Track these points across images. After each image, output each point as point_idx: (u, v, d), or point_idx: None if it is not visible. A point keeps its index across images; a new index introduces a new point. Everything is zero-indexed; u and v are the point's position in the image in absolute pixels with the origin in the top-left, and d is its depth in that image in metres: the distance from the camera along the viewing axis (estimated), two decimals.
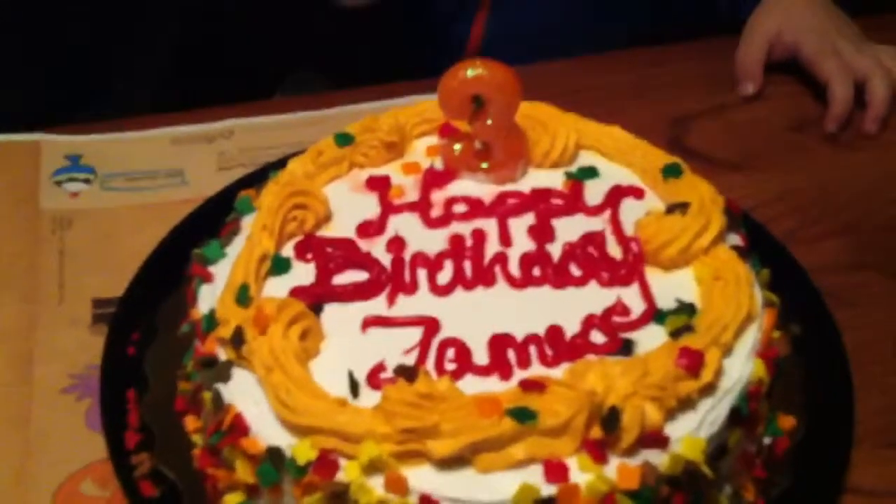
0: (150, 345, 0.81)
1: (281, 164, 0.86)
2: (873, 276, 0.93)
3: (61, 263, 0.91)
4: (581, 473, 0.61)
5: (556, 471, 0.61)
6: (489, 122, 0.81)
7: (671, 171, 0.81)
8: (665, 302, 0.72)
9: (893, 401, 0.81)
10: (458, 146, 0.83)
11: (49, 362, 0.83)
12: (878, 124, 1.07)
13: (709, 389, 0.65)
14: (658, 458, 0.62)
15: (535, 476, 0.61)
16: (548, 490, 0.60)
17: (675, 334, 0.68)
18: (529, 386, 0.64)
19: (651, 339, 0.69)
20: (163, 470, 0.72)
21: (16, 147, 1.03)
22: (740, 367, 0.68)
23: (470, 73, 0.79)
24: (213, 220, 0.83)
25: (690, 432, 0.64)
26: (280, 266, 0.75)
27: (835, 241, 0.96)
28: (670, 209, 0.77)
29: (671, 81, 1.15)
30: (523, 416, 0.62)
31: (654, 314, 0.71)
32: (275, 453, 0.64)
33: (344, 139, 0.84)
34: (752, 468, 0.70)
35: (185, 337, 0.76)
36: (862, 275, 0.93)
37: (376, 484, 0.61)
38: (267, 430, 0.65)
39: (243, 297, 0.71)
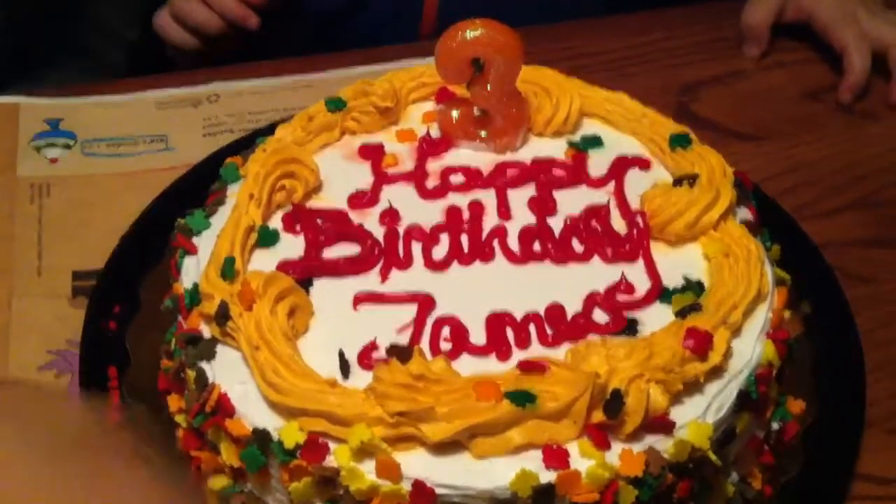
0: (131, 320, 0.78)
1: (269, 130, 0.82)
2: (889, 252, 0.89)
3: (40, 233, 0.88)
4: (582, 460, 0.58)
5: (555, 457, 0.58)
6: (489, 86, 0.77)
7: (679, 141, 0.77)
8: (671, 279, 0.69)
9: None
10: (455, 112, 0.79)
11: (26, 338, 0.79)
12: None
13: (716, 372, 0.62)
14: (663, 444, 0.59)
15: (533, 462, 0.58)
16: (547, 477, 0.57)
17: (681, 314, 0.65)
18: (529, 367, 0.60)
19: (657, 318, 0.66)
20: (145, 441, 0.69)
21: None
22: (750, 348, 0.65)
23: (469, 34, 0.75)
24: (197, 188, 0.79)
25: (697, 417, 0.61)
26: (267, 238, 0.71)
27: (849, 216, 0.93)
28: (678, 181, 0.73)
29: (680, 46, 1.11)
30: (522, 399, 0.58)
31: (659, 292, 0.68)
32: (261, 435, 0.61)
33: (335, 104, 0.80)
34: (761, 454, 0.67)
35: (169, 312, 0.73)
36: (877, 251, 0.90)
37: (367, 469, 0.58)
38: (253, 412, 0.62)
39: (229, 270, 0.67)
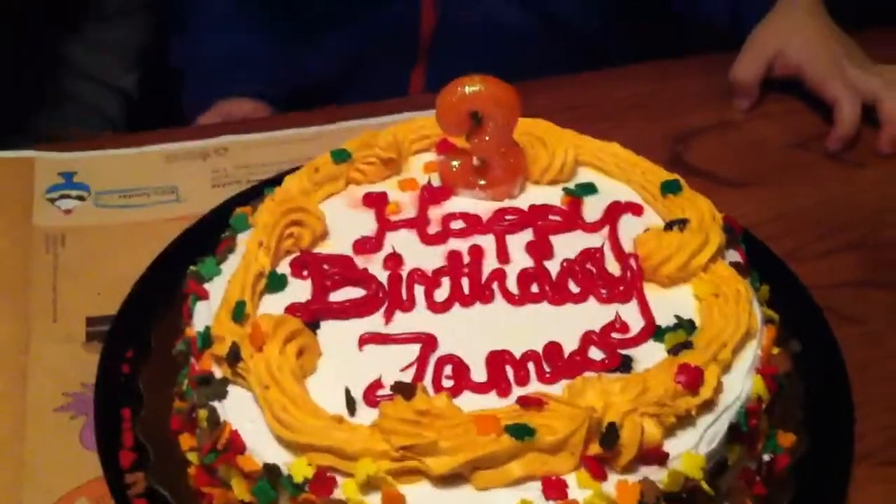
0: (144, 363, 0.80)
1: (276, 180, 0.86)
2: (879, 293, 0.92)
3: (55, 281, 0.91)
4: (580, 490, 0.61)
5: (554, 488, 0.61)
6: (487, 138, 0.81)
7: (670, 188, 0.80)
8: (664, 318, 0.72)
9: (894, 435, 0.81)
10: (455, 162, 0.82)
11: (42, 380, 0.82)
12: (893, 144, 1.06)
13: (708, 406, 0.65)
14: (657, 475, 0.62)
15: (533, 493, 0.61)
16: None
17: (673, 351, 0.68)
18: (527, 403, 0.63)
19: (650, 355, 0.69)
20: (158, 489, 0.71)
21: (9, 163, 1.02)
22: (739, 383, 0.67)
23: (468, 89, 0.79)
24: (207, 237, 0.83)
25: (690, 449, 0.63)
26: (276, 283, 0.75)
27: (838, 259, 0.96)
28: (669, 225, 0.77)
29: (672, 97, 1.15)
30: (521, 432, 0.61)
31: (652, 331, 0.71)
32: (271, 471, 0.63)
33: (341, 155, 0.84)
34: (752, 485, 0.69)
35: (181, 355, 0.75)
36: (867, 292, 0.92)
37: (374, 501, 0.61)
38: (263, 448, 0.65)
39: (239, 314, 0.70)
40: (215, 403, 0.68)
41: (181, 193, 1.01)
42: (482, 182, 0.82)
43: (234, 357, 0.68)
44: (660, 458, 0.62)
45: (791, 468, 0.72)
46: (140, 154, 1.05)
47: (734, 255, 0.77)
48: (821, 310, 0.85)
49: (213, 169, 1.04)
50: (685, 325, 0.70)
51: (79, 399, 0.81)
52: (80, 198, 1.00)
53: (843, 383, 0.79)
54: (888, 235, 0.98)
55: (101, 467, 0.73)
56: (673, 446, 0.63)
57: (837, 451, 0.75)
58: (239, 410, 0.67)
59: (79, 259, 0.93)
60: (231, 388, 0.68)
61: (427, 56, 1.24)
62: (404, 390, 0.64)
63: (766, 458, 0.71)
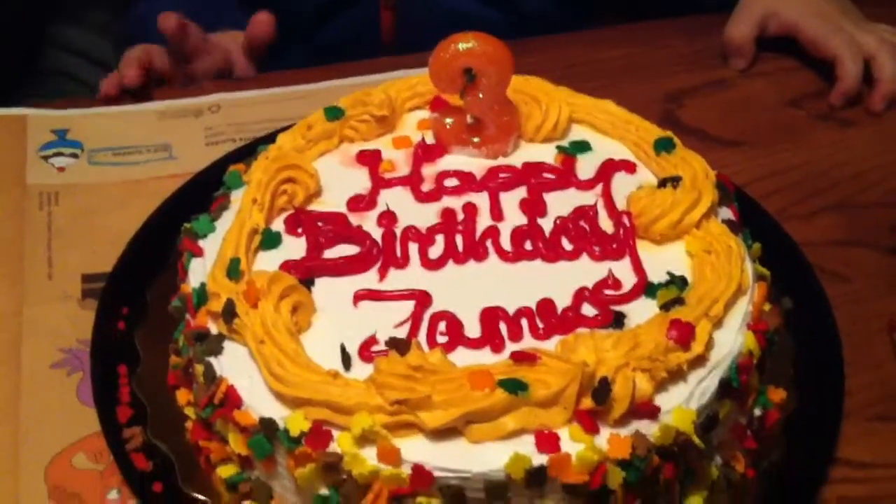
0: (140, 320, 0.81)
1: (270, 138, 0.86)
2: (866, 252, 0.93)
3: (49, 239, 0.91)
4: (572, 443, 0.61)
5: (547, 441, 0.61)
6: (480, 95, 0.80)
7: (663, 146, 0.81)
8: (656, 275, 0.72)
9: (883, 375, 0.82)
10: (449, 120, 0.83)
11: (38, 337, 0.82)
12: (885, 102, 1.07)
13: (699, 361, 0.66)
14: (649, 429, 0.63)
15: (526, 446, 0.61)
16: (539, 460, 0.61)
17: (665, 307, 0.69)
18: (521, 358, 0.64)
19: (642, 311, 0.69)
20: (155, 443, 0.72)
21: (2, 121, 1.02)
22: (731, 339, 0.68)
23: (462, 46, 0.78)
24: (201, 195, 0.83)
25: (681, 403, 0.64)
26: (270, 240, 0.75)
27: (828, 218, 0.96)
28: (662, 183, 0.77)
29: (665, 57, 1.15)
30: (515, 387, 0.62)
31: (645, 287, 0.71)
32: (267, 424, 0.64)
33: (334, 113, 0.84)
34: (743, 439, 0.71)
35: (176, 311, 0.76)
36: (855, 251, 0.93)
37: (369, 455, 0.62)
38: (259, 403, 0.65)
39: (234, 271, 0.71)
40: (211, 359, 0.68)
41: (174, 151, 1.01)
42: (476, 140, 0.82)
43: (229, 313, 0.68)
44: (651, 412, 0.63)
45: (781, 423, 0.74)
46: (133, 111, 1.05)
47: (727, 213, 0.77)
48: (812, 267, 0.86)
49: (206, 126, 1.03)
50: (677, 282, 0.71)
51: (75, 355, 0.81)
52: (74, 155, 1.00)
53: (833, 340, 0.80)
54: (874, 195, 0.98)
55: (98, 422, 0.74)
56: (664, 401, 0.64)
57: (827, 407, 0.76)
58: (235, 366, 0.67)
59: (73, 217, 0.93)
60: (227, 344, 0.69)
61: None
62: (399, 346, 0.65)
63: (756, 413, 0.72)
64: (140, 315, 0.81)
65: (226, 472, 0.69)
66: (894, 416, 0.78)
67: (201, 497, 0.69)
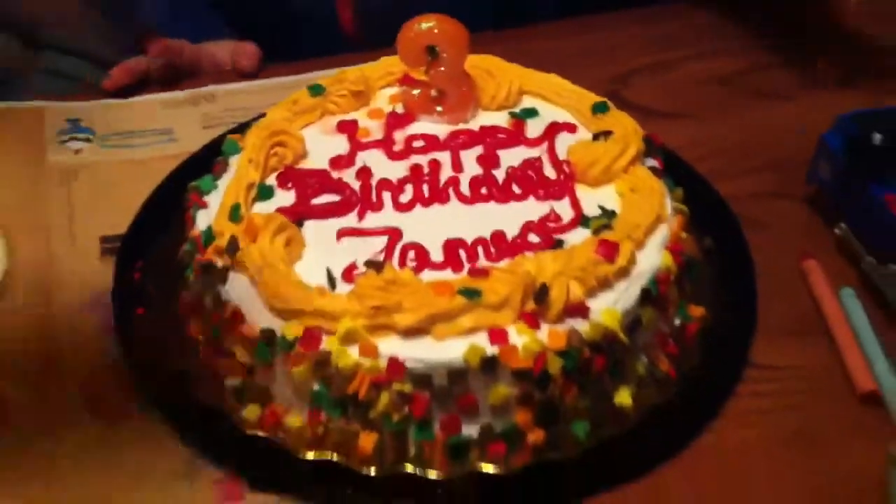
0: (152, 271, 0.94)
1: (261, 116, 0.99)
2: (784, 202, 1.05)
3: (71, 209, 1.04)
4: (518, 337, 0.74)
5: (498, 336, 0.74)
6: (442, 69, 0.94)
7: (599, 108, 0.95)
8: (591, 210, 0.85)
9: (793, 306, 0.92)
10: (416, 92, 0.96)
11: (65, 288, 0.95)
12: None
13: (623, 273, 0.79)
14: (582, 326, 0.76)
15: (481, 340, 0.74)
16: (491, 350, 0.74)
17: (596, 232, 0.82)
18: (476, 272, 0.77)
19: (577, 238, 0.82)
20: (171, 365, 0.85)
21: (21, 112, 1.16)
22: (651, 257, 0.81)
23: (424, 25, 0.92)
24: (201, 168, 0.95)
25: (609, 306, 0.77)
26: (265, 193, 0.88)
27: (752, 177, 1.08)
28: (596, 137, 0.91)
29: (612, 44, 1.29)
30: (471, 294, 0.75)
31: (580, 219, 0.84)
32: (267, 334, 0.77)
33: (316, 90, 0.98)
34: (666, 345, 0.83)
35: (186, 254, 0.88)
36: (774, 202, 1.05)
37: (352, 352, 0.74)
38: (259, 318, 0.78)
39: (235, 214, 0.84)
40: (219, 287, 0.81)
41: (175, 134, 1.14)
42: (439, 109, 0.96)
43: (232, 247, 0.81)
44: (583, 312, 0.76)
45: (700, 335, 0.87)
46: (137, 102, 1.18)
47: (652, 162, 0.91)
48: (733, 213, 0.99)
49: (203, 113, 1.17)
50: (607, 213, 0.84)
51: (98, 300, 0.93)
52: (87, 139, 1.13)
53: (749, 270, 0.93)
54: (793, 158, 1.10)
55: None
56: (594, 304, 0.77)
57: (741, 322, 0.89)
58: (238, 291, 0.80)
59: (90, 191, 1.06)
60: (231, 274, 0.81)
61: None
62: (376, 266, 0.78)
63: (677, 322, 0.85)
64: (152, 268, 0.94)
65: (232, 381, 0.81)
66: (802, 331, 0.90)
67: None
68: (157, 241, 0.96)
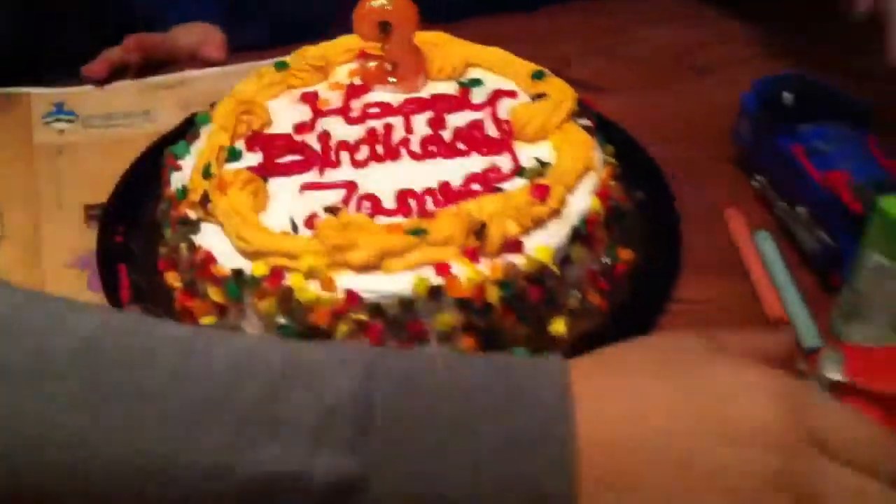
0: (133, 233, 1.03)
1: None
2: (710, 162, 1.15)
3: (57, 182, 1.13)
4: (461, 269, 0.84)
5: (442, 269, 0.83)
6: (394, 43, 1.04)
7: (537, 76, 1.04)
8: (528, 163, 0.95)
9: (715, 249, 1.01)
10: (371, 64, 1.06)
11: (54, 248, 1.03)
12: None
13: (555, 214, 0.88)
14: (518, 260, 0.85)
15: (428, 273, 0.83)
16: (437, 281, 0.83)
17: (530, 178, 0.91)
18: (423, 214, 0.87)
19: (516, 186, 0.92)
20: (152, 310, 0.94)
21: (8, 97, 1.25)
22: (581, 201, 0.91)
23: (376, 3, 1.02)
24: (178, 139, 1.04)
25: (542, 243, 0.87)
26: (234, 154, 0.97)
27: (683, 142, 1.18)
28: (533, 98, 1.01)
29: (556, 30, 1.39)
30: (418, 232, 0.84)
31: (518, 170, 0.94)
32: (237, 273, 0.86)
33: (281, 65, 1.07)
34: (597, 282, 0.93)
35: (163, 213, 0.97)
36: (703, 163, 1.15)
37: (313, 286, 0.83)
38: (230, 260, 0.87)
39: (207, 172, 0.93)
40: (192, 236, 0.90)
41: (153, 116, 1.23)
42: (393, 80, 1.05)
43: (205, 200, 0.90)
44: (518, 247, 0.85)
45: (629, 274, 0.97)
46: (117, 87, 1.28)
47: (585, 122, 1.01)
48: (662, 171, 1.09)
49: (179, 96, 1.26)
50: (542, 164, 0.94)
51: (84, 259, 1.02)
52: (70, 121, 1.22)
53: (674, 219, 1.03)
54: (721, 125, 1.19)
55: (106, 301, 0.96)
56: (529, 241, 0.86)
57: (667, 263, 0.99)
58: (210, 239, 0.89)
59: (74, 165, 1.15)
60: (203, 225, 0.90)
61: None
62: (334, 211, 0.88)
63: (607, 261, 0.94)
64: (132, 230, 1.03)
65: (206, 321, 0.90)
66: (722, 270, 0.99)
67: None
68: (137, 207, 1.05)
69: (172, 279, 0.95)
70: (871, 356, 0.80)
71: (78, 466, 0.57)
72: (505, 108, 1.02)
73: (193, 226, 0.91)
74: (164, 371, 0.59)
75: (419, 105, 1.03)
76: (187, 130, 1.04)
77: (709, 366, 0.67)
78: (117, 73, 1.30)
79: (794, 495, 0.62)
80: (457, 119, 1.01)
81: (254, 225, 0.87)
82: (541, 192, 0.88)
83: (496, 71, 1.08)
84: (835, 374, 0.77)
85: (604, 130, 1.04)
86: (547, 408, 0.62)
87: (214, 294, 0.89)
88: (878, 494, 0.64)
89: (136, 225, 1.03)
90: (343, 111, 1.03)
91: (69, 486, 0.58)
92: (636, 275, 0.97)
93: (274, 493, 0.57)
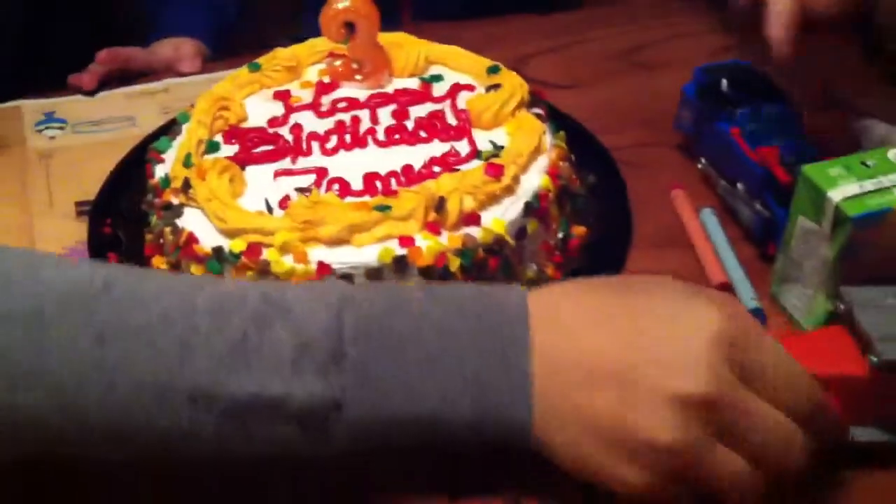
0: (121, 224, 1.10)
1: None
2: (660, 149, 1.23)
3: (48, 182, 1.20)
4: (423, 241, 0.91)
5: (406, 241, 0.91)
6: (359, 42, 1.12)
7: (493, 70, 1.13)
8: (484, 146, 1.03)
9: (663, 226, 1.08)
10: (338, 63, 1.14)
11: (47, 241, 1.11)
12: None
13: (509, 191, 0.96)
14: (475, 232, 0.93)
15: (393, 245, 0.91)
16: (401, 252, 0.91)
17: (486, 160, 1.00)
18: (388, 193, 0.95)
19: (473, 167, 1.00)
20: None
21: (2, 111, 1.32)
22: (533, 179, 0.99)
23: (341, 5, 1.10)
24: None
25: (497, 216, 0.95)
26: (212, 146, 1.05)
27: (633, 131, 1.27)
28: (488, 89, 1.09)
29: (514, 31, 1.48)
30: (383, 209, 0.92)
31: (475, 154, 1.02)
32: (217, 251, 0.93)
33: (254, 66, 1.15)
34: (551, 255, 1.01)
35: (147, 203, 1.05)
36: (651, 150, 1.23)
37: (288, 259, 0.91)
38: (210, 239, 0.94)
39: (188, 162, 1.01)
40: (175, 221, 0.98)
41: (137, 121, 1.31)
42: (359, 77, 1.14)
43: (186, 186, 0.98)
44: (476, 221, 0.93)
45: (582, 248, 1.04)
46: (104, 96, 1.36)
47: (537, 111, 1.09)
48: (612, 158, 1.17)
49: (160, 103, 1.34)
50: (497, 147, 1.02)
51: (75, 250, 1.09)
52: (61, 128, 1.29)
53: (624, 199, 1.11)
54: (667, 116, 1.28)
55: None
56: (486, 215, 0.94)
57: (618, 237, 1.06)
58: (192, 221, 0.97)
59: (65, 167, 1.23)
60: (185, 210, 0.98)
61: None
62: (304, 191, 0.95)
63: (560, 236, 1.02)
64: (120, 222, 1.10)
65: None
66: (670, 245, 1.07)
67: None
68: (124, 200, 1.12)
69: (158, 263, 1.02)
70: (800, 342, 0.84)
71: (78, 398, 0.64)
72: (463, 100, 1.10)
73: (176, 210, 0.98)
74: (153, 313, 0.66)
75: (384, 99, 1.11)
76: (169, 129, 1.11)
77: (659, 291, 0.74)
78: (104, 82, 1.38)
79: (717, 421, 0.69)
80: (419, 110, 1.09)
81: (231, 206, 0.95)
82: (495, 171, 0.96)
83: (455, 67, 1.16)
84: None
85: (558, 121, 1.12)
86: (510, 341, 0.70)
87: (197, 272, 0.96)
88: (790, 429, 0.71)
89: (124, 217, 1.11)
90: (314, 106, 1.11)
91: (68, 420, 0.65)
92: (589, 249, 1.05)
93: (255, 415, 0.65)
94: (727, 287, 1.01)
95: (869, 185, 0.87)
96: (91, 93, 1.36)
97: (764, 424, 0.70)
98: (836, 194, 0.86)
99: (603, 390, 0.69)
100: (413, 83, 1.14)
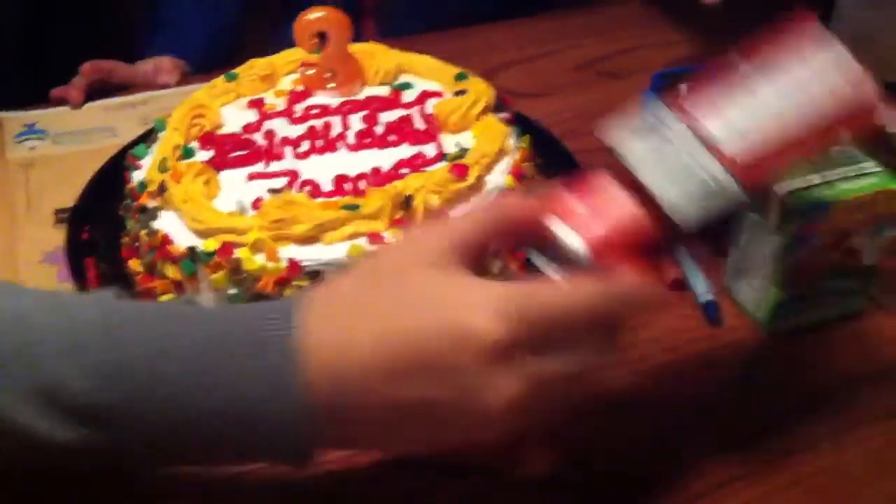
0: (98, 230, 1.13)
1: None
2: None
3: (27, 191, 1.23)
4: (392, 238, 0.95)
5: (375, 237, 0.94)
6: (331, 51, 1.16)
7: (460, 77, 1.17)
8: (451, 149, 1.07)
9: None
10: (311, 72, 1.17)
11: (27, 246, 1.13)
12: None
13: (475, 190, 1.00)
14: None
15: (362, 242, 0.95)
16: (370, 248, 0.94)
17: (452, 161, 1.03)
18: (357, 193, 0.98)
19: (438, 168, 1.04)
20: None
21: None
22: (497, 179, 1.02)
23: (313, 16, 1.14)
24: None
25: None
26: (188, 152, 1.08)
27: (591, 137, 1.31)
28: (455, 94, 1.13)
29: (486, 44, 1.52)
30: (352, 207, 0.95)
31: (442, 156, 1.06)
32: (191, 250, 0.96)
33: (230, 76, 1.19)
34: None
35: (125, 207, 1.08)
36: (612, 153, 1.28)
37: (259, 258, 0.94)
38: (184, 239, 0.97)
39: (164, 167, 1.04)
40: (151, 223, 1.01)
41: (117, 131, 1.34)
42: (331, 85, 1.17)
43: (161, 189, 1.01)
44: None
45: None
46: (85, 108, 1.39)
47: (502, 115, 1.13)
48: (575, 160, 1.21)
49: (139, 114, 1.37)
50: (462, 149, 1.06)
51: (54, 255, 1.12)
52: (41, 139, 1.33)
53: None
54: None
55: (74, 287, 1.06)
56: (453, 213, 0.98)
57: None
58: (167, 223, 1.00)
59: (44, 176, 1.26)
60: (161, 213, 1.01)
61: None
62: (276, 191, 0.99)
63: None
64: (97, 228, 1.13)
65: (165, 298, 1.01)
66: None
67: None
68: (102, 207, 1.15)
69: (134, 265, 1.05)
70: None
71: None
72: (432, 105, 1.14)
73: (152, 213, 1.01)
74: None
75: (355, 106, 1.15)
76: (147, 137, 1.15)
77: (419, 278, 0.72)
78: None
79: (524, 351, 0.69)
80: (389, 116, 1.13)
81: (205, 207, 0.98)
82: (459, 171, 1.00)
83: (424, 75, 1.20)
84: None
85: (524, 126, 1.16)
86: (275, 369, 0.68)
87: (172, 272, 0.99)
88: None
89: (101, 223, 1.13)
90: (287, 113, 1.14)
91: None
92: None
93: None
94: (681, 283, 1.05)
95: (815, 178, 0.91)
96: (77, 106, 1.39)
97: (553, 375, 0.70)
98: (781, 188, 0.90)
99: (376, 398, 0.69)
100: (384, 91, 1.18)
